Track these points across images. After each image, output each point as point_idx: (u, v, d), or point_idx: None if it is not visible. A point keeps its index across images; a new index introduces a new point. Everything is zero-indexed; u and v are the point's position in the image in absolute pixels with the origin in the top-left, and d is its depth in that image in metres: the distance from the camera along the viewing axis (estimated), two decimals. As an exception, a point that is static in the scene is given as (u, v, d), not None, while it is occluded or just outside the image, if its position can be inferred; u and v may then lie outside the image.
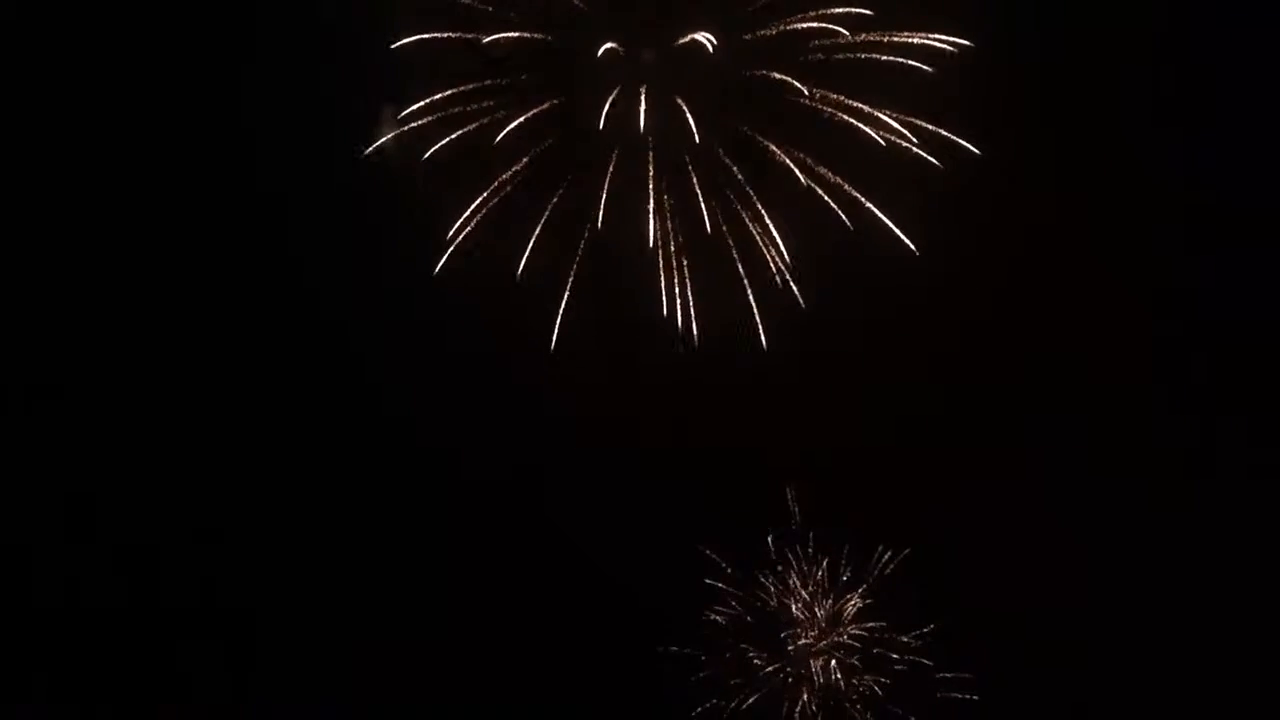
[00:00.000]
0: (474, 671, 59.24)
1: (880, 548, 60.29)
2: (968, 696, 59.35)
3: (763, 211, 56.63)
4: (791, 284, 56.83)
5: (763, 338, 57.11)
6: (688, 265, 56.95)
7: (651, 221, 56.48)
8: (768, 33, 55.61)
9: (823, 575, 60.90)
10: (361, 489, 60.22)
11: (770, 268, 56.96)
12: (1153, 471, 58.14)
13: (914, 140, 55.25)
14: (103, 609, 59.12)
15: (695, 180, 56.53)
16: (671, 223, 56.75)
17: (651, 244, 56.47)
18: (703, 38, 55.29)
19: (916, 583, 59.92)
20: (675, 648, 60.43)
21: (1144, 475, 58.17)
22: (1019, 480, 58.28)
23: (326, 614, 59.92)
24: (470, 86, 56.36)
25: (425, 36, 56.06)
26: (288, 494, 59.51)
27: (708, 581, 60.58)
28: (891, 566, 60.31)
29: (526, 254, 56.55)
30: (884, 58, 55.35)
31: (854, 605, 60.76)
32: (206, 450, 59.96)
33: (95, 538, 59.28)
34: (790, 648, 60.75)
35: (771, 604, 61.00)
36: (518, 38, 56.00)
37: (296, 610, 59.82)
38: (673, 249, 56.75)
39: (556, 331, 57.12)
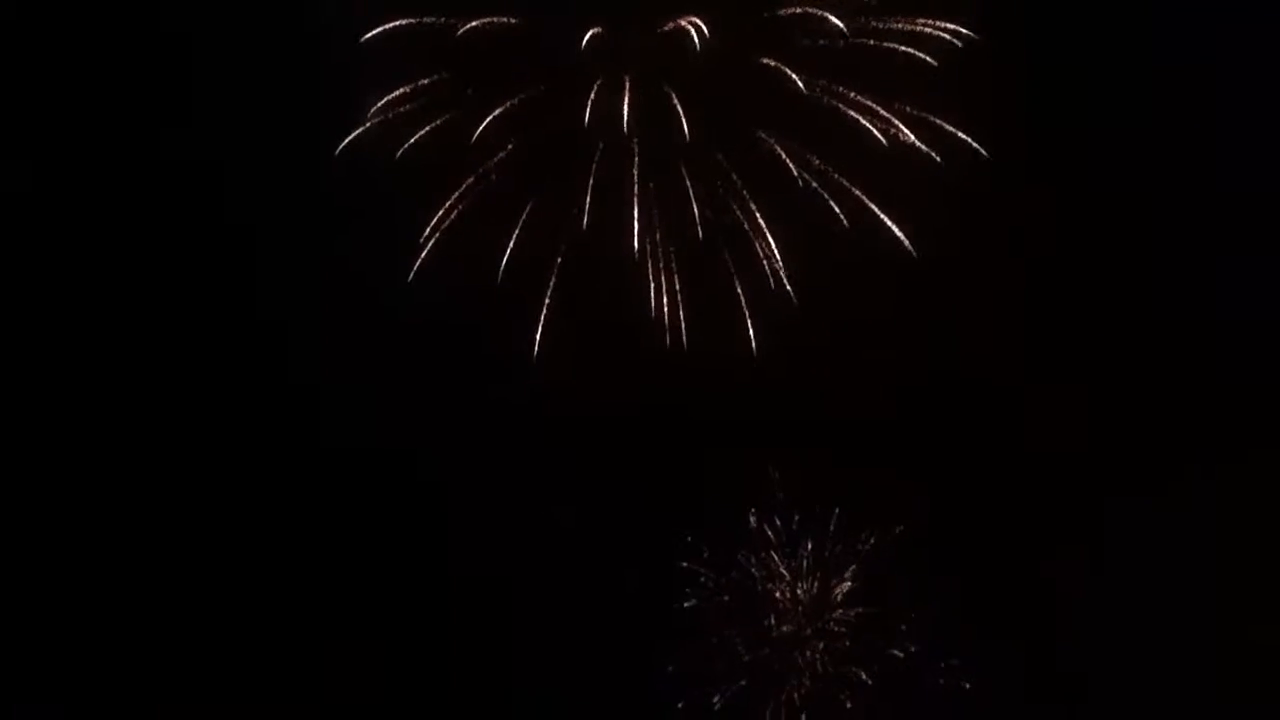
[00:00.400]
0: (454, 667, 58.58)
1: (866, 532, 59.15)
2: (958, 684, 58.45)
3: (751, 204, 55.37)
4: (782, 276, 55.73)
5: (751, 334, 56.22)
6: (675, 261, 55.75)
7: (636, 215, 55.10)
8: (758, 19, 54.16)
9: (808, 559, 59.87)
10: (344, 487, 59.07)
11: (759, 256, 55.81)
12: (1148, 458, 57.48)
13: (909, 133, 54.25)
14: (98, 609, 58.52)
15: (683, 172, 55.14)
16: (658, 217, 55.38)
17: (637, 239, 55.19)
18: (690, 24, 53.78)
19: (905, 567, 58.70)
20: (659, 638, 59.12)
21: (1139, 461, 57.55)
22: (1014, 462, 57.67)
23: (316, 614, 58.86)
24: (447, 75, 54.81)
25: (399, 24, 54.30)
26: (270, 497, 58.49)
27: (689, 566, 59.40)
28: (878, 548, 59.16)
29: (508, 253, 55.21)
30: (875, 43, 54.16)
31: (841, 590, 59.76)
32: (171, 450, 58.90)
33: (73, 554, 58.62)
34: (775, 634, 59.78)
35: (757, 589, 59.99)
36: (494, 23, 54.14)
37: (289, 612, 58.77)
38: (659, 244, 55.52)
39: (540, 330, 55.95)
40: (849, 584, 59.47)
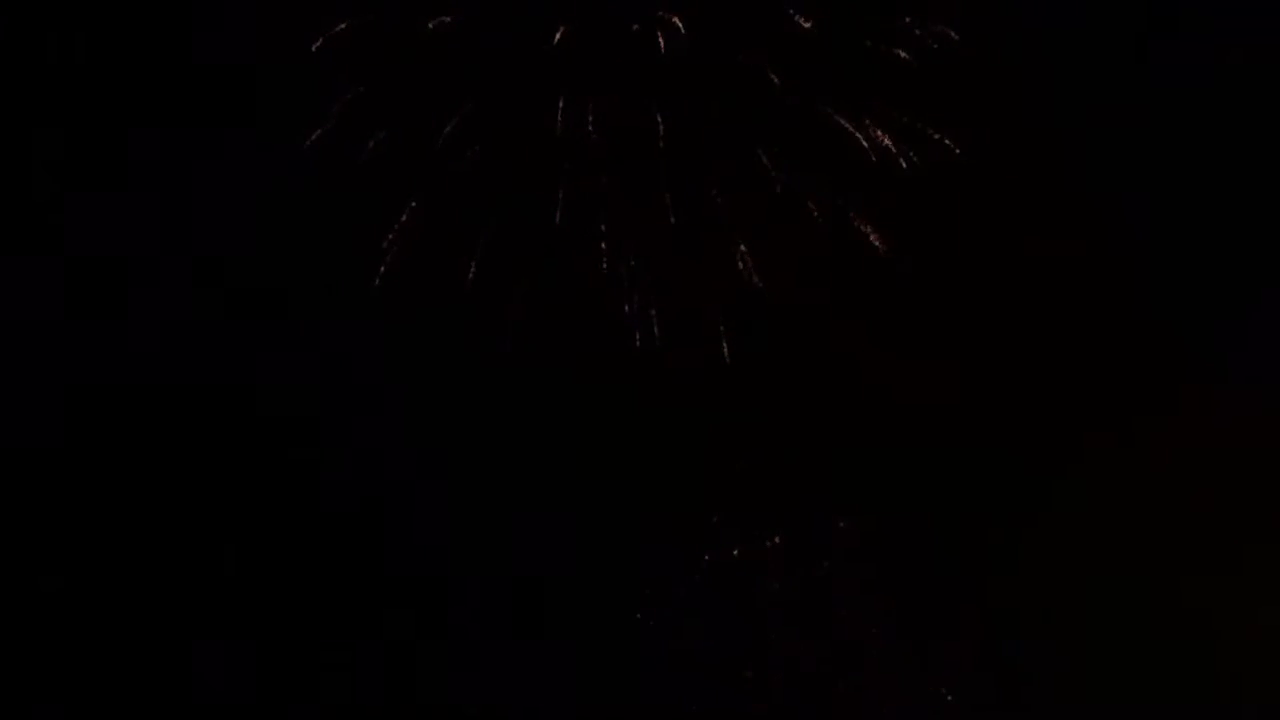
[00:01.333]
0: (427, 676, 57.84)
1: (836, 527, 58.38)
2: (933, 687, 57.87)
3: (726, 204, 54.70)
4: (754, 278, 55.04)
5: (723, 334, 55.61)
6: (647, 260, 55.11)
7: (607, 214, 54.43)
8: (735, 17, 53.29)
9: (775, 556, 59.13)
10: (321, 489, 58.27)
11: (733, 256, 55.12)
12: (1129, 458, 57.16)
13: (891, 137, 53.62)
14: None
15: (656, 171, 54.31)
16: (630, 217, 54.67)
17: (608, 240, 54.50)
18: (664, 20, 52.97)
19: (877, 563, 58.00)
20: (627, 647, 58.31)
21: (1122, 463, 57.14)
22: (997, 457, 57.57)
23: (307, 618, 57.64)
24: (411, 73, 53.66)
25: (358, 22, 53.27)
26: (252, 507, 57.62)
27: (654, 566, 58.35)
28: (849, 545, 58.47)
29: (477, 255, 54.33)
30: (855, 42, 53.47)
31: (810, 586, 59.02)
32: (141, 458, 57.70)
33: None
34: (743, 634, 58.88)
35: (723, 588, 59.10)
36: (462, 20, 53.13)
37: (288, 620, 57.62)
38: (631, 244, 54.93)
39: (510, 331, 55.20)
40: (819, 580, 58.66)
